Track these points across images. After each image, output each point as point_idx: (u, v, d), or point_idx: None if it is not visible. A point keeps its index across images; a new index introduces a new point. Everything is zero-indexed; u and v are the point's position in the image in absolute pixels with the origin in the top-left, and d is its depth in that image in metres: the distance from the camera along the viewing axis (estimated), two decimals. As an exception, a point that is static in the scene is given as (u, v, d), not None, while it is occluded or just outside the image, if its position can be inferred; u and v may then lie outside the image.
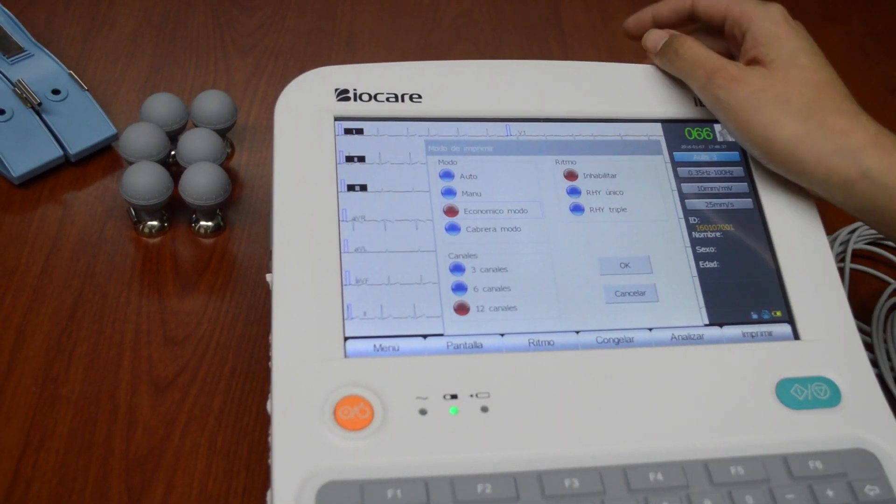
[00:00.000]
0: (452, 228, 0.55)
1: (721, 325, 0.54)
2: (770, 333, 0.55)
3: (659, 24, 0.64)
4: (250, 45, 0.86)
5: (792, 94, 0.55)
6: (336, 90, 0.58)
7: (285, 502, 0.45)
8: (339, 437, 0.48)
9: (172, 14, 0.87)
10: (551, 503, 0.46)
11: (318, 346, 0.50)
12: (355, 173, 0.56)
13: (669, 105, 0.61)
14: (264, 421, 0.60)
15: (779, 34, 0.57)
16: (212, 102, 0.72)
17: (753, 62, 0.58)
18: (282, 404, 0.48)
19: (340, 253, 0.53)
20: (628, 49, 0.91)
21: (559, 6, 0.95)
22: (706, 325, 0.54)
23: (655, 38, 0.62)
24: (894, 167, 0.52)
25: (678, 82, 0.61)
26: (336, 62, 0.85)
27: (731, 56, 0.60)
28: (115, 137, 0.74)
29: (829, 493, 0.48)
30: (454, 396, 0.50)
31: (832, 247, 0.72)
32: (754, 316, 0.55)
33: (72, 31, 0.84)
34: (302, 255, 0.52)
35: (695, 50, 0.59)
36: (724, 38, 0.62)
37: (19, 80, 0.73)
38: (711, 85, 0.57)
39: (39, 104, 0.72)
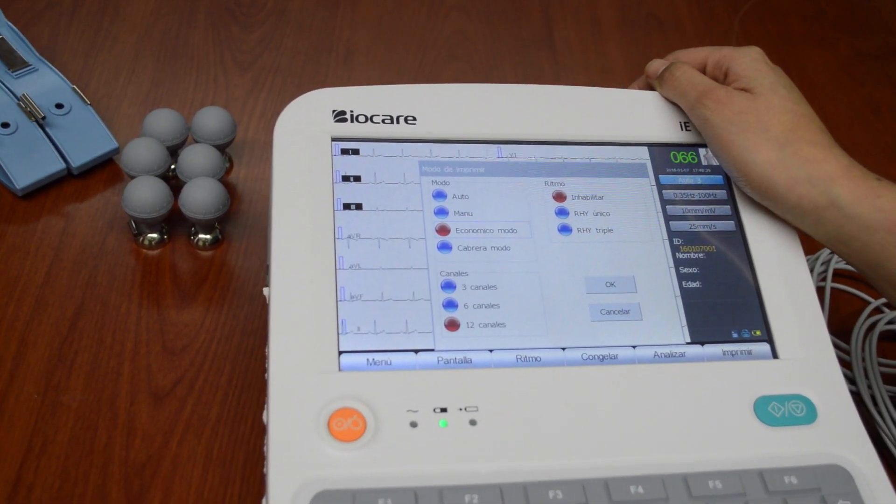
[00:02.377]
0: (444, 247, 0.57)
1: (702, 344, 0.56)
2: (749, 352, 0.56)
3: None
4: (249, 62, 0.88)
5: (772, 120, 0.57)
6: (333, 111, 0.60)
7: (280, 510, 0.47)
8: (333, 447, 0.49)
9: (174, 30, 0.89)
10: (536, 514, 0.48)
11: (314, 360, 0.52)
12: (351, 192, 0.58)
13: (656, 129, 0.63)
14: (260, 430, 0.62)
15: (760, 68, 0.60)
16: (212, 118, 0.74)
17: (741, 88, 0.60)
18: (278, 415, 0.50)
19: (336, 269, 0.55)
20: (618, 69, 0.93)
21: (552, 27, 0.97)
22: (688, 344, 0.56)
23: (657, 66, 0.66)
24: (862, 197, 0.54)
25: (664, 108, 0.64)
26: (333, 79, 0.87)
27: None
28: (117, 151, 0.76)
29: (803, 507, 0.51)
30: (444, 410, 0.51)
31: (814, 266, 0.74)
32: (734, 335, 0.57)
33: (75, 46, 0.86)
34: (299, 271, 0.54)
35: (690, 74, 0.62)
36: None
37: (24, 95, 0.74)
38: (700, 105, 0.60)
39: (43, 118, 0.74)
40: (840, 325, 0.73)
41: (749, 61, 0.61)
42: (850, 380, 0.68)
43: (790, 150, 0.56)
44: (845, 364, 0.69)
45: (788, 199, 0.56)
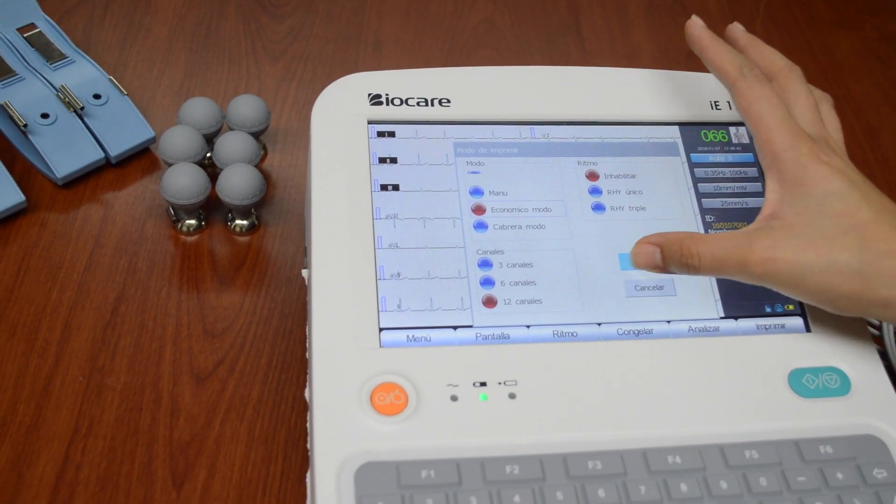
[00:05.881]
0: (480, 226, 0.58)
1: (736, 318, 0.57)
2: (783, 326, 0.57)
3: None
4: (280, 51, 0.89)
5: (834, 248, 0.51)
6: (369, 95, 0.61)
7: (326, 482, 0.49)
8: (376, 421, 0.51)
9: (205, 21, 0.91)
10: (575, 483, 0.49)
11: (355, 337, 0.53)
12: (388, 174, 0.59)
13: (686, 108, 0.64)
14: (300, 409, 0.63)
15: (804, 180, 0.53)
16: (246, 106, 0.75)
17: (773, 216, 0.54)
18: (321, 391, 0.51)
19: (375, 249, 0.56)
20: (645, 55, 0.93)
21: (578, 13, 0.97)
22: (722, 318, 0.57)
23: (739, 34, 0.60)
24: None
25: (695, 87, 0.64)
26: (363, 67, 0.88)
27: None
28: (154, 140, 0.78)
29: (839, 475, 0.51)
30: (483, 384, 0.52)
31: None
32: (767, 309, 0.58)
33: (109, 39, 0.87)
34: (338, 251, 0.55)
35: (710, 253, 0.53)
36: None
37: (63, 86, 0.76)
38: (747, 273, 0.52)
39: (82, 108, 0.75)
40: (871, 303, 0.73)
41: (795, 170, 0.53)
42: (882, 354, 0.68)
43: (871, 269, 0.51)
44: (876, 340, 0.69)
45: (887, 314, 0.52)
